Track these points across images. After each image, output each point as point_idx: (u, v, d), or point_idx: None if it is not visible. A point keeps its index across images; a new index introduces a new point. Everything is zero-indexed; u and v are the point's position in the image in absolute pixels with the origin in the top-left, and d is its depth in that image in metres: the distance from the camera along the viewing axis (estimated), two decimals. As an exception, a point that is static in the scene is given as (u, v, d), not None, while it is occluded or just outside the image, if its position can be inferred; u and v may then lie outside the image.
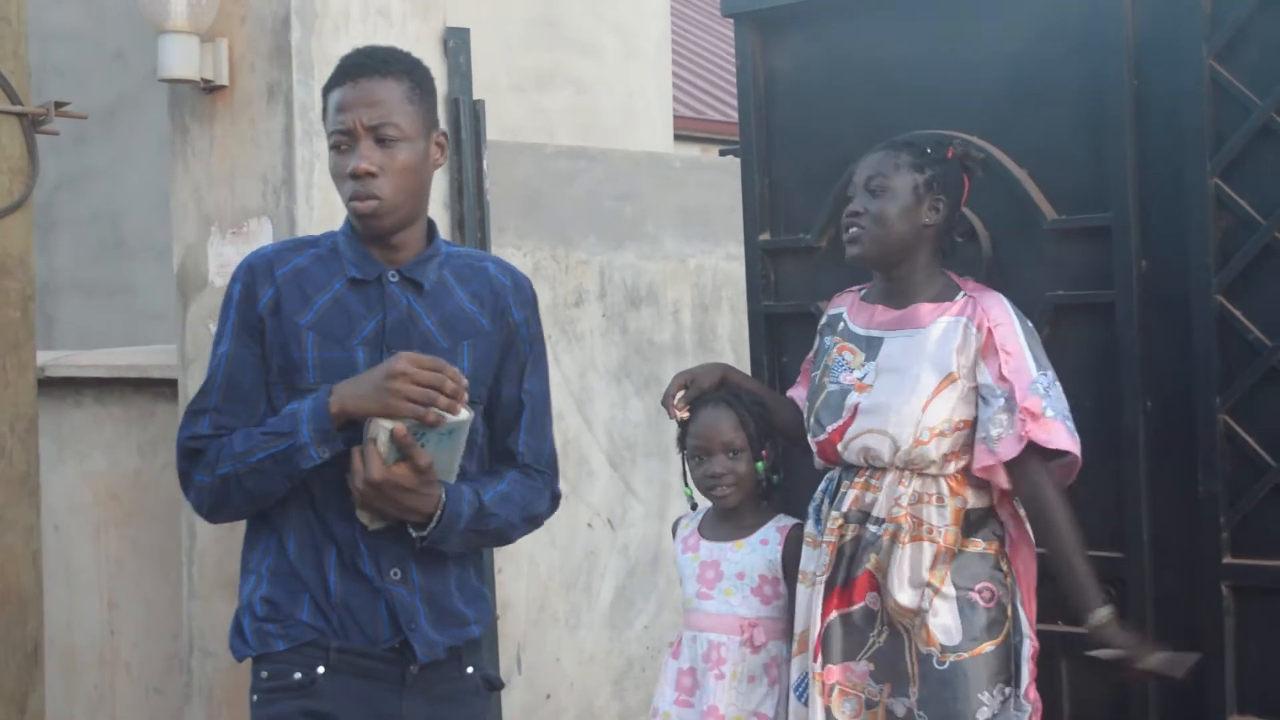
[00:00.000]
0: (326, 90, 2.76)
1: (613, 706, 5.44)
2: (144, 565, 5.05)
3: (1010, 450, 3.05)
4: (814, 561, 3.25)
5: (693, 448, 3.46)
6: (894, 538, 3.12)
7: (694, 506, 3.57)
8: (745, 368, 4.04)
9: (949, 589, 3.09)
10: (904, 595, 3.11)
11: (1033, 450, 3.04)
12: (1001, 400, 3.06)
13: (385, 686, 2.71)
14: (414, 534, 2.68)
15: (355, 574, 2.70)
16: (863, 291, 3.33)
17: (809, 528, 3.29)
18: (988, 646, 3.08)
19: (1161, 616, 3.25)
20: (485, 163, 4.97)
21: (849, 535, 3.19)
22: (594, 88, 6.89)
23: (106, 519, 5.08)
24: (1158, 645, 3.05)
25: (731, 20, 3.94)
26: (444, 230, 4.90)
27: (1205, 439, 3.18)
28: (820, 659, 3.21)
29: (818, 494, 3.30)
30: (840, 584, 3.20)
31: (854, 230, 3.20)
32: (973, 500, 3.13)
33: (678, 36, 14.15)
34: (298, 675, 2.69)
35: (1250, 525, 3.15)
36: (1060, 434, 3.03)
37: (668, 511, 5.48)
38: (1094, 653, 3.04)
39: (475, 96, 4.98)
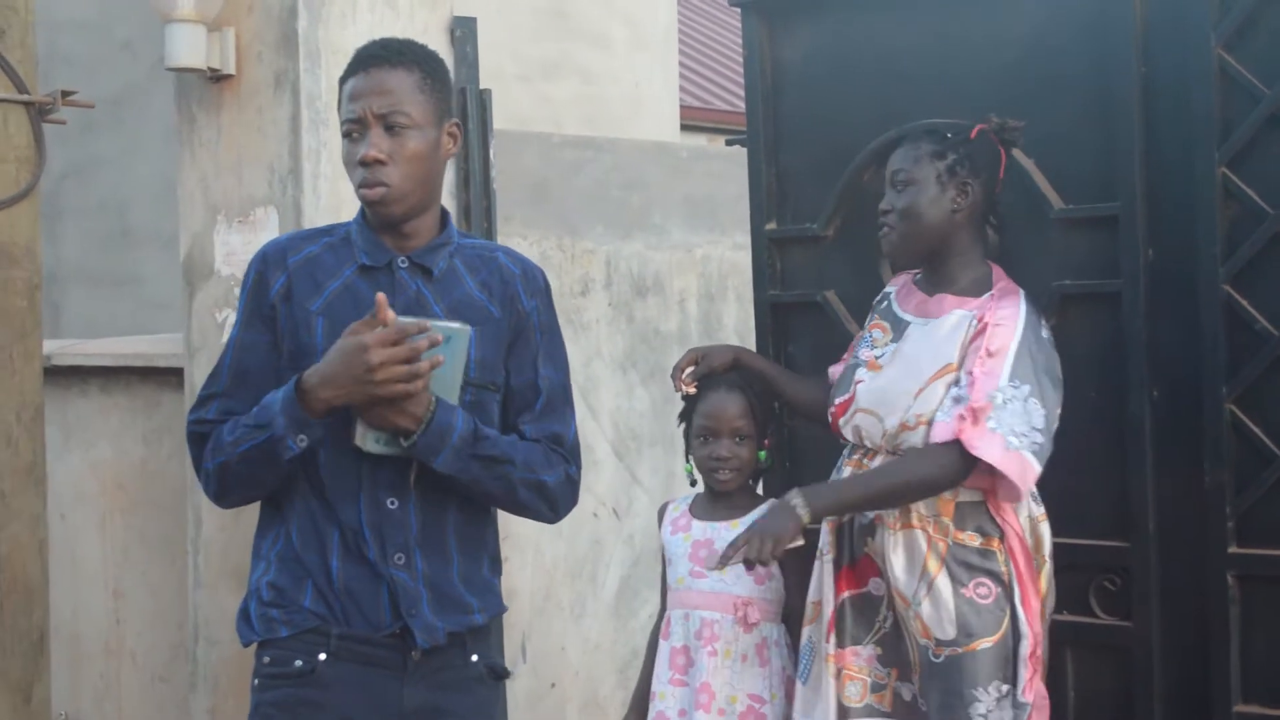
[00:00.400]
0: (342, 81, 2.79)
1: (617, 695, 5.44)
2: (150, 554, 5.06)
3: (941, 435, 3.02)
4: (820, 538, 3.27)
5: (700, 428, 3.49)
6: (883, 522, 3.13)
7: (694, 484, 3.59)
8: (751, 357, 4.04)
9: (944, 582, 3.08)
10: (901, 582, 3.11)
11: (958, 446, 3.01)
12: (958, 391, 3.04)
13: (386, 673, 2.71)
14: (404, 444, 2.65)
15: (358, 558, 2.71)
16: (918, 275, 3.32)
17: None
18: (984, 643, 3.07)
19: (1167, 606, 3.25)
20: (492, 152, 4.97)
21: (846, 515, 3.20)
22: (601, 77, 6.88)
23: (112, 508, 5.09)
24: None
25: (738, 10, 3.94)
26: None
27: (1212, 428, 3.18)
28: (833, 640, 3.22)
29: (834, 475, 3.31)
30: (848, 564, 3.21)
31: (885, 230, 3.22)
32: (964, 493, 3.11)
33: (684, 26, 14.13)
34: (299, 663, 2.70)
35: (1256, 515, 3.15)
36: (992, 448, 2.98)
37: (673, 501, 5.49)
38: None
39: (482, 86, 4.97)
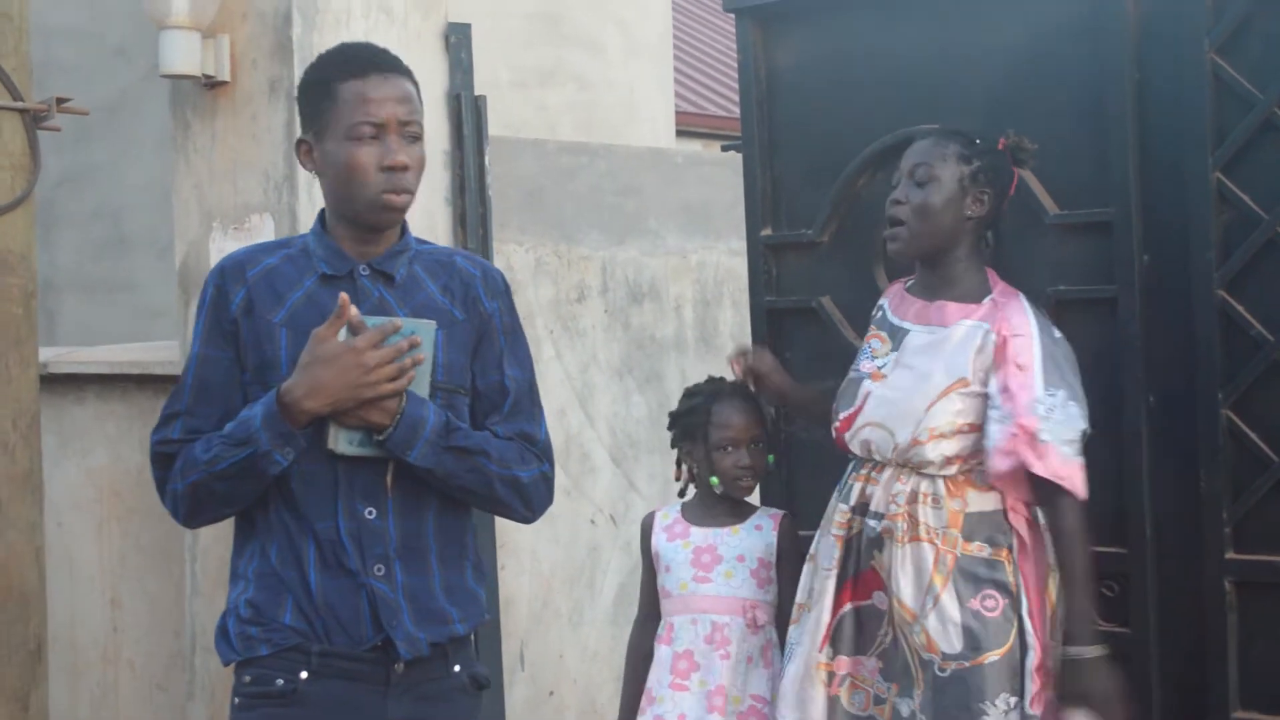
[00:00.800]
0: (332, 80, 2.74)
1: (615, 703, 5.41)
2: (146, 562, 5.05)
3: (1001, 465, 3.01)
4: (825, 551, 3.25)
5: (722, 439, 3.52)
6: (891, 535, 3.11)
7: (682, 494, 3.65)
8: (748, 363, 4.04)
9: (951, 595, 3.06)
10: (907, 596, 3.10)
11: (1038, 472, 3.00)
12: (998, 413, 3.02)
13: (369, 688, 2.68)
14: (378, 439, 2.63)
15: (337, 570, 2.68)
16: (909, 282, 3.30)
17: (829, 514, 3.28)
18: (991, 656, 3.04)
19: (1164, 612, 3.25)
20: (487, 158, 4.97)
21: (855, 528, 3.19)
22: (596, 83, 6.88)
23: (109, 516, 5.09)
24: (1127, 705, 3.03)
25: (733, 15, 3.94)
26: (446, 226, 4.90)
27: (1207, 434, 3.18)
28: (829, 648, 3.21)
29: (837, 489, 3.30)
30: (852, 576, 3.20)
31: (895, 226, 3.17)
32: (974, 504, 3.09)
33: (678, 32, 14.14)
34: (280, 682, 2.67)
35: (1253, 520, 3.15)
36: (1053, 460, 2.98)
37: (670, 507, 5.49)
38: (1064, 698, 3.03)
39: (477, 92, 4.98)
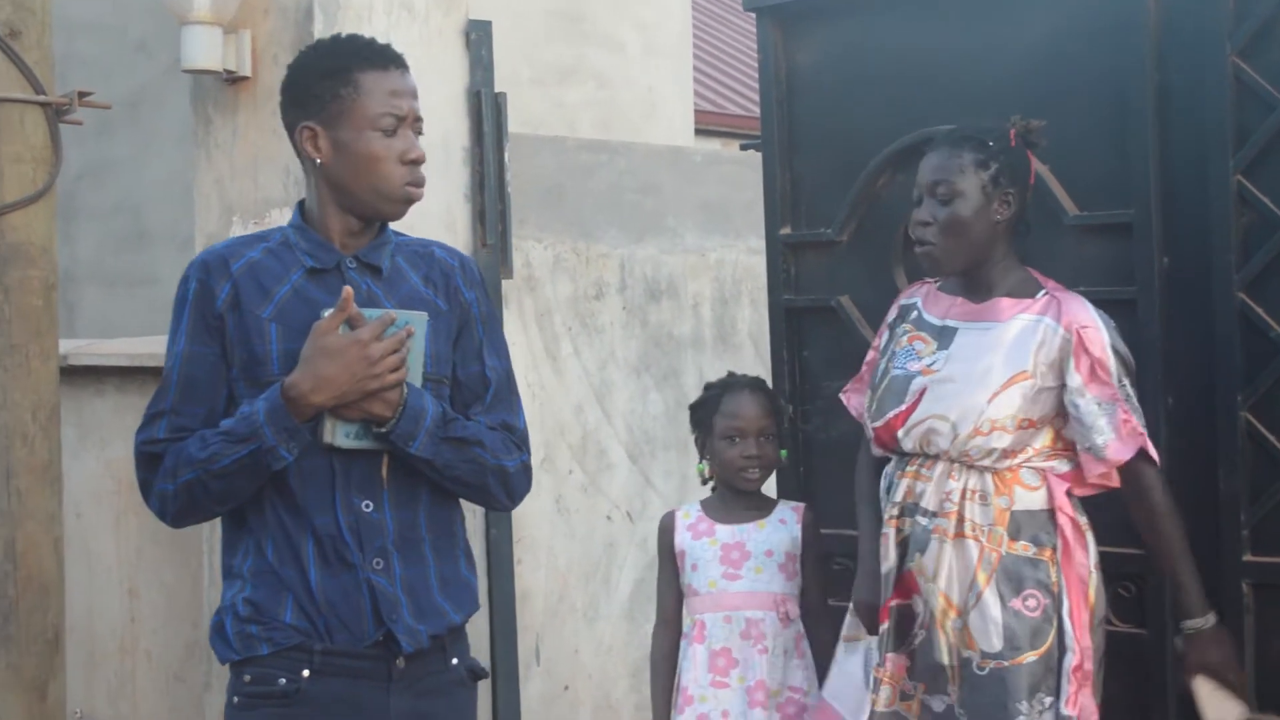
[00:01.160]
0: (350, 69, 2.73)
1: (630, 699, 5.45)
2: (164, 553, 5.07)
3: (1122, 453, 3.00)
4: (870, 549, 3.25)
5: (727, 429, 3.54)
6: (942, 533, 3.10)
7: (705, 483, 3.65)
8: (766, 362, 4.06)
9: (994, 593, 3.05)
10: (952, 592, 3.08)
11: (1142, 455, 3.01)
12: (1096, 406, 3.01)
13: (372, 684, 2.67)
14: (380, 432, 2.63)
15: (336, 566, 2.66)
16: (938, 282, 3.27)
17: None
18: (1029, 657, 3.03)
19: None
20: (506, 156, 4.98)
21: (906, 528, 3.17)
22: (615, 81, 6.89)
23: (127, 507, 5.10)
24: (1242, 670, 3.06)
25: (752, 14, 3.95)
26: (465, 223, 4.91)
27: (1226, 436, 3.17)
28: (878, 652, 3.21)
29: (881, 488, 3.28)
30: (900, 574, 3.19)
31: (926, 245, 3.14)
32: (1020, 502, 3.07)
33: (698, 30, 14.14)
34: (282, 682, 2.65)
35: (1271, 523, 3.15)
36: (1149, 445, 3.02)
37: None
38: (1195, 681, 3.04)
39: (497, 89, 4.98)
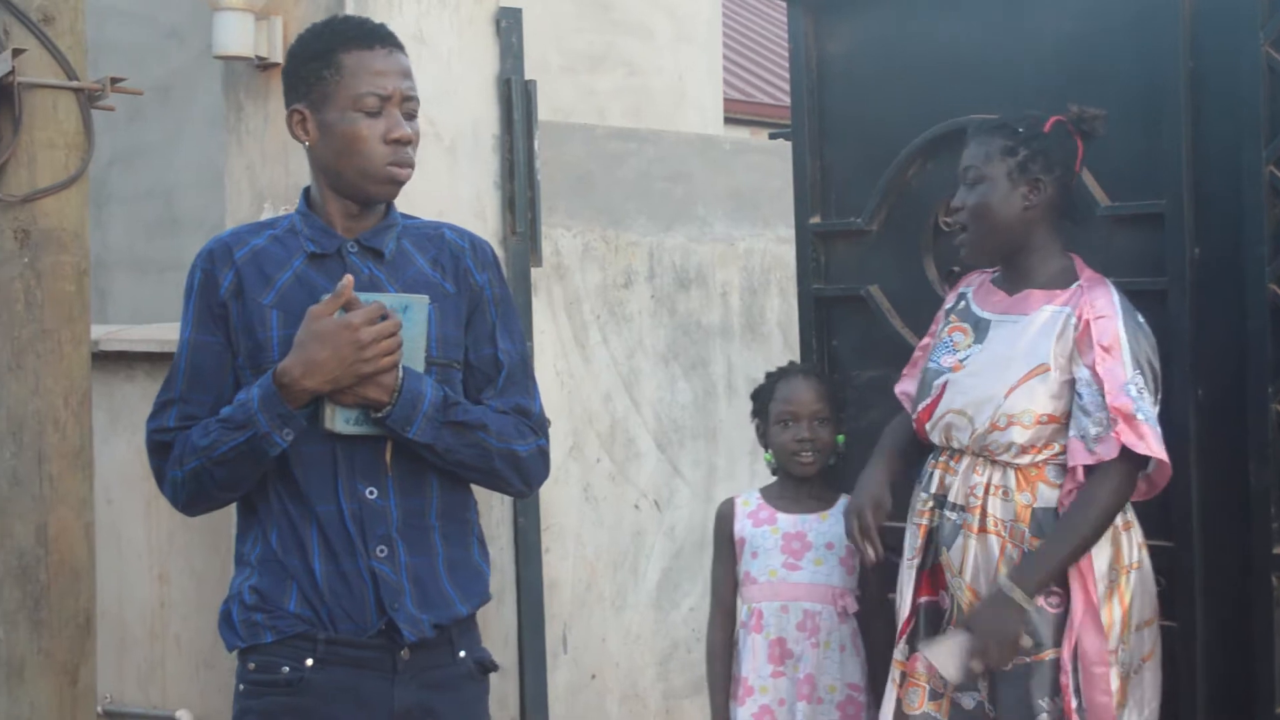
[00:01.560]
0: (336, 50, 2.71)
1: (658, 687, 5.45)
2: (194, 539, 5.09)
3: (1109, 452, 2.98)
4: (908, 541, 3.25)
5: (780, 413, 3.56)
6: (969, 528, 3.09)
7: (775, 472, 3.64)
8: (794, 351, 4.05)
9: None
10: (979, 587, 3.08)
11: (1124, 454, 2.98)
12: (1095, 398, 2.99)
13: (376, 675, 2.67)
14: (376, 416, 2.62)
15: (340, 555, 2.66)
16: (995, 273, 3.27)
17: (912, 504, 3.28)
18: (1050, 654, 3.04)
19: (1211, 607, 3.24)
20: (536, 143, 4.98)
21: (935, 520, 3.17)
22: (644, 69, 6.88)
23: (158, 493, 5.07)
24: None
25: (782, 3, 3.94)
26: (494, 210, 4.91)
27: (1257, 429, 3.16)
28: (905, 645, 3.20)
29: (919, 476, 3.28)
30: (929, 568, 3.19)
31: (957, 231, 3.17)
32: (1042, 499, 3.08)
33: (728, 19, 14.12)
34: (286, 669, 2.66)
35: (1301, 516, 3.13)
36: (1150, 438, 2.97)
37: (714, 494, 5.49)
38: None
39: (527, 77, 4.98)
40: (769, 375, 3.71)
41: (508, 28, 4.93)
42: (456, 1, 4.80)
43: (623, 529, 5.38)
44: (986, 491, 3.08)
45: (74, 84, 3.60)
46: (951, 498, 3.12)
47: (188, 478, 2.71)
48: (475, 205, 4.82)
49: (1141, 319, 3.10)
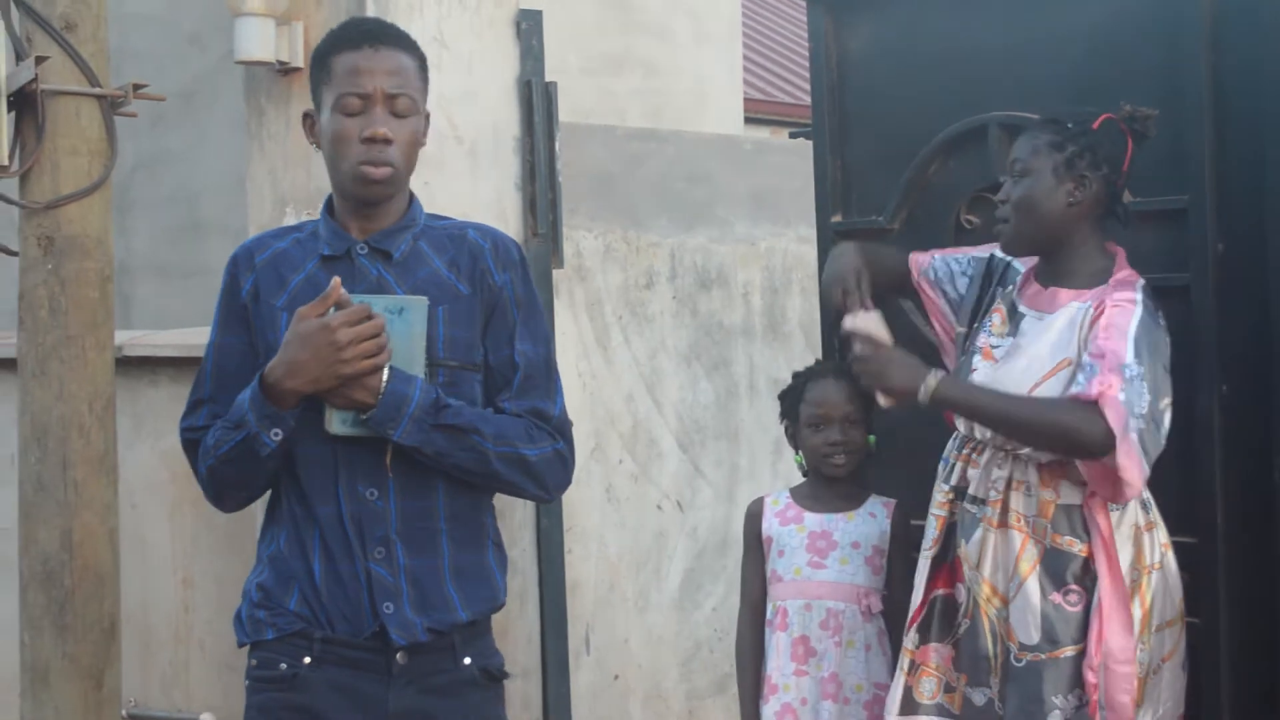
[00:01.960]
0: (330, 53, 2.73)
1: (680, 688, 5.45)
2: (218, 543, 5.10)
3: (1090, 392, 2.92)
4: (926, 532, 3.25)
5: (811, 416, 3.55)
6: (989, 522, 3.09)
7: (806, 474, 3.63)
8: (816, 351, 4.05)
9: (1035, 585, 3.04)
10: (998, 581, 3.08)
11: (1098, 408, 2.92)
12: (1088, 360, 2.98)
13: (371, 677, 2.67)
14: (362, 417, 2.62)
15: (338, 557, 2.68)
16: (1037, 264, 3.26)
17: (934, 495, 3.27)
18: (1067, 651, 3.03)
19: (1235, 602, 3.22)
20: (557, 145, 4.98)
21: (956, 513, 3.17)
22: (665, 70, 6.87)
23: (182, 497, 5.14)
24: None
25: (802, 2, 3.93)
26: (515, 212, 4.92)
27: (1281, 424, 3.15)
28: (916, 635, 3.20)
29: (940, 467, 3.28)
30: (948, 561, 3.19)
31: (1000, 223, 3.16)
32: (1065, 496, 3.07)
33: (747, 19, 14.10)
34: (283, 666, 2.69)
35: (1327, 511, 3.12)
36: (1118, 419, 2.90)
37: (736, 494, 5.48)
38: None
39: (547, 79, 4.99)
40: (796, 376, 3.69)
41: (528, 30, 4.93)
42: (477, 4, 4.81)
43: (645, 530, 5.38)
44: (1009, 486, 3.08)
45: (96, 91, 3.62)
46: (972, 490, 3.12)
47: (208, 475, 2.77)
48: (496, 207, 4.82)
49: (1162, 321, 3.08)
